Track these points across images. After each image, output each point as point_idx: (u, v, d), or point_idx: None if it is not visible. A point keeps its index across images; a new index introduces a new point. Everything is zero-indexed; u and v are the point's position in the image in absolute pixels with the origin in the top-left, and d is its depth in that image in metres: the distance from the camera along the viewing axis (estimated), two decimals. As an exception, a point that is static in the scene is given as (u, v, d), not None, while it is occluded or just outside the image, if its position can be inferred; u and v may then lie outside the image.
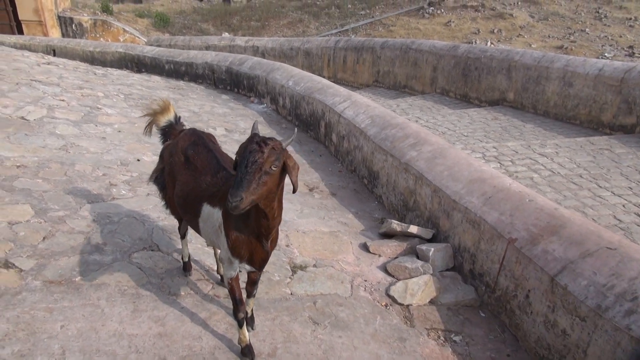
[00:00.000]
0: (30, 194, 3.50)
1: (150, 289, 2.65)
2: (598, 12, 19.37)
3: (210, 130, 6.11)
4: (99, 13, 24.24)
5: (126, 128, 5.56)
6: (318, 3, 28.39)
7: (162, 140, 2.83)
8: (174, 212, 2.74)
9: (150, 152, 4.90)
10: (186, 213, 2.37)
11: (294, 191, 1.93)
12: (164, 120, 2.80)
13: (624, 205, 4.38)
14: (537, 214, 2.61)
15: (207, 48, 17.28)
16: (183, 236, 2.81)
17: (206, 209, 2.16)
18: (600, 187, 4.75)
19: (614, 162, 5.33)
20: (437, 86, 9.71)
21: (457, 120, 7.39)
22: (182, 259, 2.87)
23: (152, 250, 3.03)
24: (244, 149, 1.77)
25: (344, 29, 22.96)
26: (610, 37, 17.00)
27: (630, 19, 18.54)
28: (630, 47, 15.73)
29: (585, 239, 2.31)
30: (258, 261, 2.12)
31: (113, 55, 13.32)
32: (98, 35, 22.19)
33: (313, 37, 16.76)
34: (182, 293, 2.66)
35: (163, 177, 2.69)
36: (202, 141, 2.43)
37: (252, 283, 2.36)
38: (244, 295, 2.34)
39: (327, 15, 26.56)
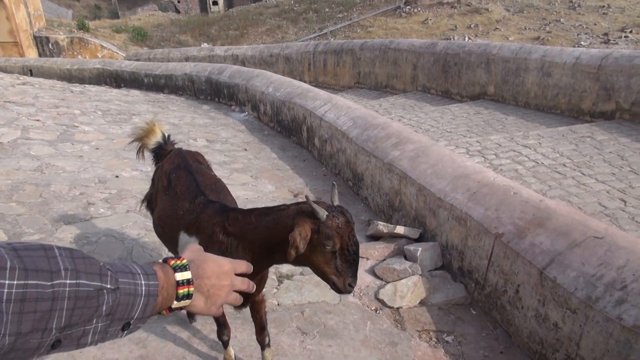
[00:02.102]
0: (3, 218, 3.39)
1: (132, 309, 2.56)
2: (572, 2, 19.60)
3: (191, 142, 6.02)
4: (75, 31, 24.00)
5: (104, 145, 5.45)
6: (295, 8, 28.40)
7: (155, 162, 2.72)
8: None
9: (129, 167, 4.80)
10: (165, 242, 2.24)
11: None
12: (152, 142, 2.68)
13: (608, 192, 4.38)
14: (522, 206, 2.58)
15: (187, 59, 17.17)
16: None
17: (183, 238, 2.00)
18: (584, 174, 4.75)
19: (596, 149, 5.34)
20: (418, 84, 9.71)
21: (440, 117, 7.38)
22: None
23: (132, 269, 2.94)
24: (347, 236, 1.59)
25: (322, 32, 22.99)
26: (585, 26, 17.19)
27: (604, 6, 18.79)
28: (605, 34, 15.92)
29: (571, 229, 2.27)
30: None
31: (91, 71, 13.17)
32: (75, 53, 21.97)
33: (292, 43, 16.73)
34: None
35: (153, 203, 2.54)
36: (184, 163, 2.30)
37: (260, 330, 2.13)
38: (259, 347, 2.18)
39: (305, 20, 26.59)
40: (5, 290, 0.59)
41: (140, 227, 3.33)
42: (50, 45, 22.05)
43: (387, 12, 22.73)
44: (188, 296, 0.85)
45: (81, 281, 0.67)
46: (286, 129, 6.50)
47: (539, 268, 2.27)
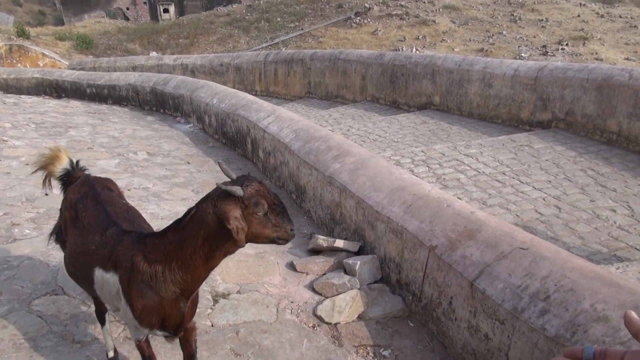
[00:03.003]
0: None
1: (52, 338, 2.39)
2: (513, 15, 20.52)
3: (131, 156, 5.81)
4: (15, 38, 22.91)
5: (34, 160, 5.15)
6: (247, 17, 28.29)
7: (63, 192, 2.48)
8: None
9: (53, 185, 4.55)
10: (79, 281, 2.07)
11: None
12: (58, 169, 2.44)
13: (544, 199, 4.53)
14: (454, 219, 2.60)
15: (134, 68, 16.70)
16: (102, 321, 2.34)
17: (99, 274, 1.86)
18: (522, 182, 4.90)
19: (534, 157, 5.53)
20: (367, 94, 9.82)
21: (388, 127, 7.47)
22: (107, 354, 2.34)
23: (56, 295, 2.76)
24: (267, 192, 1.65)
25: (274, 42, 22.99)
26: (525, 38, 18.02)
27: (542, 20, 19.78)
28: (544, 46, 16.73)
29: (499, 241, 2.31)
30: (172, 326, 1.82)
31: (29, 81, 12.56)
32: (15, 62, 20.93)
33: (243, 52, 16.60)
34: (88, 340, 2.42)
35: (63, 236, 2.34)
36: (92, 192, 2.13)
37: (189, 359, 2.02)
38: None
39: (257, 29, 26.51)
40: None
41: (67, 248, 3.14)
42: (-14, 53, 20.91)
43: (338, 22, 23.03)
44: None
45: None
46: (231, 141, 6.38)
47: (469, 280, 2.28)
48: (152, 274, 1.68)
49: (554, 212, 4.28)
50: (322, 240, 3.35)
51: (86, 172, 2.47)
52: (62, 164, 2.42)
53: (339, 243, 3.30)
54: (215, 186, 1.65)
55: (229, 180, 1.69)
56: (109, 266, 1.81)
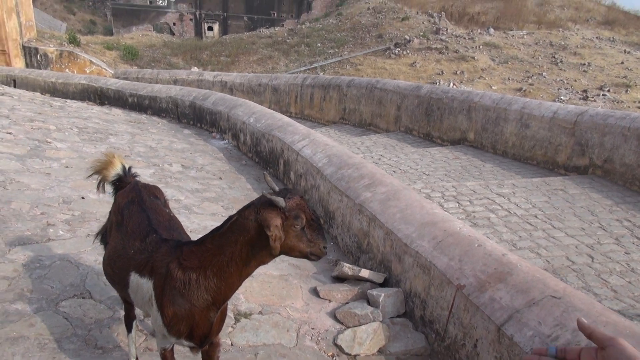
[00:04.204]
0: (-45, 234, 3.25)
1: (75, 341, 2.44)
2: (554, 57, 20.36)
3: (166, 167, 5.94)
4: (66, 44, 24.01)
5: (75, 163, 5.33)
6: (288, 41, 28.95)
7: (114, 196, 2.65)
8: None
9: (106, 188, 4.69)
10: (114, 283, 2.14)
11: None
12: (111, 174, 2.58)
13: (576, 246, 4.40)
14: (485, 259, 2.56)
15: (175, 82, 17.21)
16: (129, 328, 2.38)
17: (134, 279, 1.92)
18: (555, 227, 4.78)
19: (568, 202, 5.40)
20: (401, 124, 9.84)
21: (419, 159, 7.44)
22: None
23: (83, 298, 2.82)
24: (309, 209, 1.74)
25: (312, 66, 23.39)
26: (565, 81, 17.81)
27: (584, 64, 19.55)
28: (584, 90, 16.50)
29: (531, 286, 2.25)
30: (199, 337, 1.84)
31: (75, 86, 13.08)
32: (64, 67, 21.87)
33: (281, 74, 16.93)
34: (110, 346, 2.46)
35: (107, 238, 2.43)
36: (138, 198, 2.22)
37: None
38: None
39: (296, 52, 27.06)
40: None
41: (98, 253, 3.21)
42: (38, 56, 21.94)
43: (377, 52, 23.29)
44: None
45: None
46: (264, 161, 6.47)
47: (497, 324, 2.23)
48: (185, 281, 1.73)
49: (586, 261, 4.16)
50: (347, 268, 3.33)
51: (137, 178, 2.57)
52: (116, 169, 2.56)
53: (365, 273, 3.27)
54: (258, 195, 1.73)
55: (272, 191, 1.76)
56: (144, 272, 1.88)
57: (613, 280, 3.86)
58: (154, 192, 2.36)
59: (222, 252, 1.71)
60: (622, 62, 20.88)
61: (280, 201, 1.64)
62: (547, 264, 4.11)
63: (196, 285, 1.74)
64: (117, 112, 9.80)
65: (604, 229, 4.79)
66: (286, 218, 1.66)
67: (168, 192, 5.01)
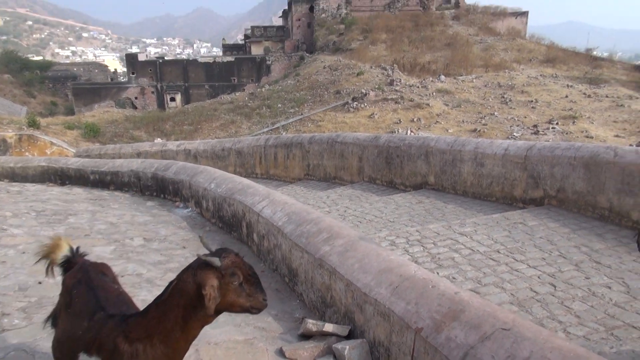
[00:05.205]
0: None
1: None
2: (504, 97, 21.44)
3: (127, 242, 5.86)
4: (25, 128, 23.88)
5: (32, 248, 5.19)
6: (249, 104, 29.65)
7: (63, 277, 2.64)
8: None
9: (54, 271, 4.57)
10: None
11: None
12: (59, 257, 2.59)
13: (539, 277, 4.49)
14: (439, 299, 2.60)
15: (139, 155, 17.20)
16: None
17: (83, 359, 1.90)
18: (517, 260, 4.88)
19: (528, 234, 5.55)
20: (364, 175, 10.04)
21: (384, 207, 7.56)
22: None
23: (37, 388, 2.70)
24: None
25: (274, 127, 23.88)
26: (516, 118, 18.69)
27: (532, 101, 20.63)
28: (535, 125, 17.31)
29: (482, 321, 2.30)
30: None
31: (35, 169, 12.91)
32: (23, 150, 21.63)
33: (244, 137, 17.21)
34: None
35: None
36: (86, 278, 2.23)
37: None
38: None
39: (258, 115, 27.66)
40: None
41: (54, 337, 3.11)
42: (-3, 143, 21.69)
43: (337, 107, 24.05)
44: None
45: None
46: (227, 225, 6.47)
47: (455, 364, 2.25)
48: (133, 354, 1.74)
49: (549, 290, 4.24)
50: (311, 324, 3.31)
51: (85, 258, 2.56)
52: (63, 251, 2.56)
53: (328, 327, 3.25)
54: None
55: (209, 252, 1.81)
56: (92, 350, 1.86)
57: (576, 307, 3.93)
58: (102, 270, 2.36)
59: (167, 318, 1.75)
60: (567, 96, 22.15)
61: (216, 261, 1.72)
62: (512, 297, 4.17)
63: (144, 356, 1.74)
64: (78, 191, 9.69)
65: (563, 257, 4.91)
66: (223, 276, 1.73)
67: (129, 267, 4.93)
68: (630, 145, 12.48)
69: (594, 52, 44.33)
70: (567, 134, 16.19)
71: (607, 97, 22.38)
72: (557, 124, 17.19)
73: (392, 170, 9.30)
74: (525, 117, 18.60)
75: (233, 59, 55.50)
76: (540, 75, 29.62)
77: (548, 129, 16.65)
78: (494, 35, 44.86)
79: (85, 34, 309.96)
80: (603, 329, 3.55)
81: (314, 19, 55.75)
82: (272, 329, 3.69)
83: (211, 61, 55.77)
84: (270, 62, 53.50)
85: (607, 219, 5.76)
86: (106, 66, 70.88)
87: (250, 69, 54.24)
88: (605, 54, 47.11)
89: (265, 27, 63.31)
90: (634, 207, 5.51)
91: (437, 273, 4.60)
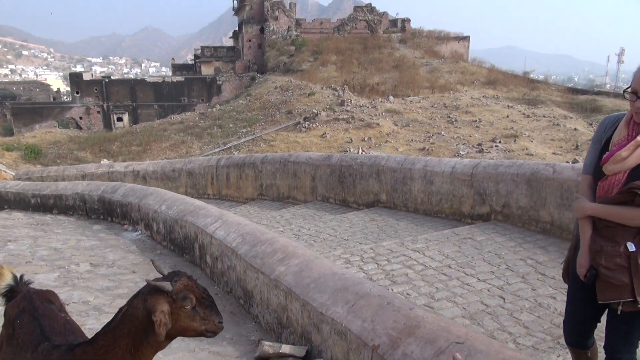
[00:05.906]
0: None
1: None
2: (449, 117, 22.30)
3: (72, 267, 5.59)
4: (-42, 151, 22.47)
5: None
6: (200, 124, 29.29)
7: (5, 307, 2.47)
8: None
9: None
10: None
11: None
12: (1, 286, 2.40)
13: (488, 290, 4.64)
14: (394, 316, 2.64)
15: (84, 177, 16.52)
16: None
17: None
18: (467, 274, 5.02)
19: (477, 249, 5.73)
20: (317, 194, 10.09)
21: (338, 225, 7.61)
22: None
23: None
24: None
25: (226, 147, 23.68)
26: (462, 137, 19.46)
27: (476, 120, 21.56)
28: (479, 144, 18.08)
29: (437, 336, 2.35)
30: None
31: (-31, 194, 12.13)
32: (-44, 174, 20.28)
33: (195, 157, 16.95)
34: None
35: None
36: (30, 307, 2.11)
37: None
38: None
39: (209, 135, 27.34)
40: None
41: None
42: None
43: (289, 127, 24.18)
44: None
45: None
46: (179, 248, 6.31)
47: (412, 379, 2.28)
48: None
49: (498, 303, 4.38)
50: (267, 346, 3.26)
51: (30, 286, 2.42)
52: (5, 280, 2.39)
53: (285, 348, 3.22)
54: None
55: (161, 276, 1.75)
56: None
57: (524, 317, 4.08)
58: (47, 297, 2.24)
59: (117, 345, 1.69)
60: (507, 116, 23.32)
61: (167, 285, 1.67)
62: (464, 310, 4.28)
63: None
64: (18, 216, 9.18)
65: (511, 270, 5.10)
66: (174, 301, 1.68)
67: (75, 295, 4.70)
68: (567, 162, 13.27)
69: (531, 75, 47.15)
70: (509, 151, 17.03)
71: (544, 117, 23.76)
72: (499, 142, 18.07)
73: (345, 189, 9.41)
74: (470, 136, 19.42)
75: (183, 79, 54.82)
76: (483, 96, 31.11)
77: (492, 147, 17.47)
78: (439, 58, 46.85)
79: (25, 52, 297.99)
80: (550, 338, 3.70)
81: (265, 40, 56.18)
82: (227, 353, 3.61)
83: (160, 81, 54.81)
84: (221, 82, 53.24)
85: (550, 232, 6.05)
86: (48, 85, 67.98)
87: (201, 89, 53.71)
88: (541, 77, 50.16)
89: (215, 47, 63.08)
90: (573, 220, 5.81)
91: (392, 289, 4.66)
